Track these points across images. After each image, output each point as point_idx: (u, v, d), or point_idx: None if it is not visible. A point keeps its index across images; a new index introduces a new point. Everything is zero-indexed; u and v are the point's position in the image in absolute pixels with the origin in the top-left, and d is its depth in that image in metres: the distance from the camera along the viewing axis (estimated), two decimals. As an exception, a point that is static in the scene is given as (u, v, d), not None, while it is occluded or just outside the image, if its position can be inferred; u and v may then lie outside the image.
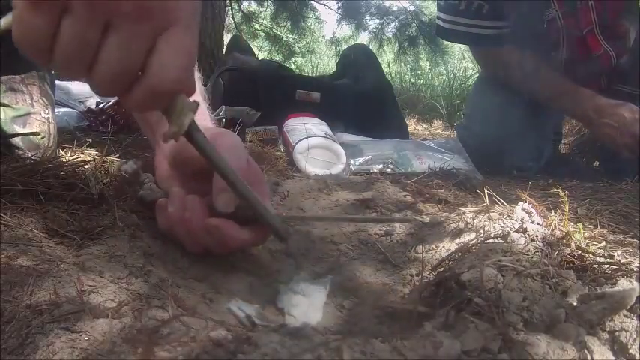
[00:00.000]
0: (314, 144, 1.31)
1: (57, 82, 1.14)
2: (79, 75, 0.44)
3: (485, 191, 0.79)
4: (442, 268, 0.61)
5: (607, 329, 0.43)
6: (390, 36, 4.63)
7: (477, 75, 2.37)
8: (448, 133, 2.75)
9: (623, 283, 0.49)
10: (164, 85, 0.44)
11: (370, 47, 2.65)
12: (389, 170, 1.32)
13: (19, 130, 0.94)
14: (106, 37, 0.41)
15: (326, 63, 6.25)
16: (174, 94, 0.45)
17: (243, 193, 0.55)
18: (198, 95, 0.75)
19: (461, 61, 5.08)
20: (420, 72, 5.03)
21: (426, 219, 0.80)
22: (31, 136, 0.95)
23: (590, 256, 0.57)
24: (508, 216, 0.69)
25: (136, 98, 0.44)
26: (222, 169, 0.53)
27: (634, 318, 0.43)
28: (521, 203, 0.70)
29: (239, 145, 0.64)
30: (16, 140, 0.93)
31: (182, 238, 0.61)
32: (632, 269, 0.53)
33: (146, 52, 0.43)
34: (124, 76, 0.43)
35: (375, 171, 1.31)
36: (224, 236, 0.58)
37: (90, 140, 1.18)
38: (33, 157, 0.87)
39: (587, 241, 0.62)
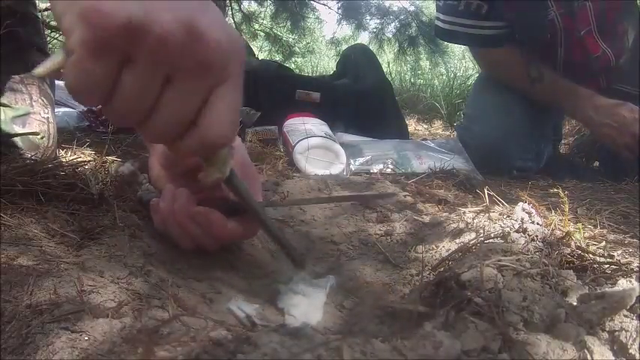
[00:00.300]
0: (314, 144, 1.31)
1: (57, 82, 1.14)
2: (132, 124, 0.45)
3: (485, 191, 0.79)
4: (442, 268, 0.61)
5: (607, 329, 0.43)
6: (390, 36, 4.62)
7: (477, 75, 2.37)
8: (448, 133, 2.74)
9: (623, 283, 0.49)
10: (215, 139, 0.46)
11: (370, 47, 2.64)
12: (389, 170, 1.32)
13: (18, 130, 0.93)
14: (165, 90, 0.43)
15: (326, 63, 6.24)
16: (222, 147, 0.48)
17: (272, 231, 0.60)
18: None
19: (461, 61, 5.08)
20: (420, 72, 5.02)
21: (426, 219, 0.80)
22: (31, 136, 0.95)
23: (590, 256, 0.57)
24: (508, 216, 0.69)
25: (186, 148, 0.46)
26: (255, 209, 0.58)
27: (634, 318, 0.43)
28: (521, 203, 0.70)
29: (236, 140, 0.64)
30: (16, 140, 0.93)
31: (174, 234, 0.61)
32: (632, 269, 0.53)
33: (201, 105, 0.44)
34: (178, 127, 0.45)
35: (375, 171, 1.31)
36: (210, 224, 0.58)
37: (90, 140, 1.18)
38: (33, 157, 0.87)
39: (587, 241, 0.62)
